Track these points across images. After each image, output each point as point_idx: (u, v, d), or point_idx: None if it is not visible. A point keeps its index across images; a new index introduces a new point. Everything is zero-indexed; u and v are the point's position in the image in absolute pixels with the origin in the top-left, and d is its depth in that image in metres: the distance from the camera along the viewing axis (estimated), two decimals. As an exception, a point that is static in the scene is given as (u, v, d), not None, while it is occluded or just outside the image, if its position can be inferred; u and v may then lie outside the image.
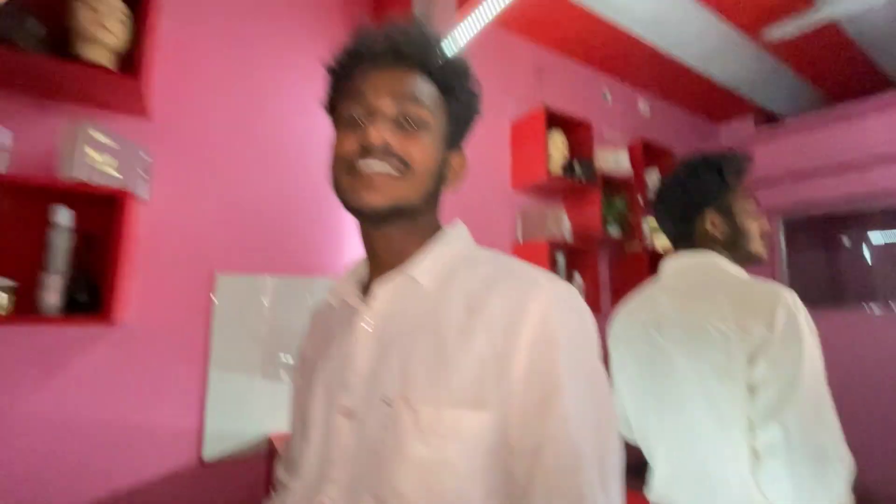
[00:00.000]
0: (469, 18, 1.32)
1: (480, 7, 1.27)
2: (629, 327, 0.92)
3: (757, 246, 0.87)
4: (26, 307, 1.08)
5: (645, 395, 0.88)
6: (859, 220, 2.78)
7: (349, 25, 1.82)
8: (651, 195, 2.44)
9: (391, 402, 0.45)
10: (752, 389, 0.69)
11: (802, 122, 2.85)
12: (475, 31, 1.35)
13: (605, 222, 2.16)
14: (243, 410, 1.44)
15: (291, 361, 1.53)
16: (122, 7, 1.17)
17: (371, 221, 0.52)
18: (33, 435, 1.17)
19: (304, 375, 0.63)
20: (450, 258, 0.53)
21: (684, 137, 2.98)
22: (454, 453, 0.41)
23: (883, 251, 2.71)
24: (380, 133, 0.47)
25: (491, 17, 1.29)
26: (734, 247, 0.86)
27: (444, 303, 0.48)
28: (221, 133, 1.50)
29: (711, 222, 0.86)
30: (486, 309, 0.45)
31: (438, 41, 0.54)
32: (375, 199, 0.48)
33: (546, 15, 2.08)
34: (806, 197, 2.77)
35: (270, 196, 1.57)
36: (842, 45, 2.40)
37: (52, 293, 1.05)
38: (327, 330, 0.60)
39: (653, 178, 2.50)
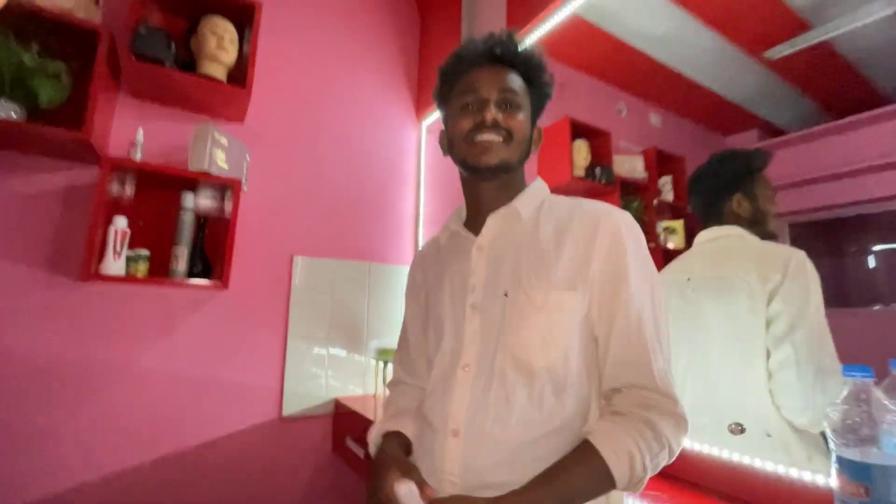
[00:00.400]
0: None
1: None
2: (665, 285, 1.12)
3: (774, 226, 1.06)
4: (157, 272, 1.33)
5: (674, 342, 1.08)
6: (862, 226, 2.96)
7: (404, 48, 2.10)
8: (665, 198, 2.67)
9: (509, 292, 0.65)
10: (769, 322, 0.88)
11: (802, 135, 3.08)
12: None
13: (622, 222, 2.38)
14: (313, 376, 1.66)
15: (338, 346, 1.75)
16: (233, 30, 1.44)
17: (484, 175, 0.71)
18: (150, 383, 1.40)
19: (418, 296, 0.83)
20: (539, 199, 0.73)
21: (693, 148, 3.21)
22: (559, 320, 0.62)
23: (885, 257, 2.89)
24: (491, 113, 0.68)
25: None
26: (755, 225, 1.04)
27: (538, 228, 0.69)
28: (301, 136, 1.76)
29: (738, 203, 1.04)
30: (571, 228, 0.66)
31: (523, 46, 0.73)
32: (490, 159, 0.68)
33: (568, 36, 2.33)
34: (807, 204, 2.98)
35: (340, 191, 1.82)
36: (837, 65, 2.63)
37: (181, 261, 1.30)
38: (438, 259, 0.80)
39: (666, 183, 2.73)
